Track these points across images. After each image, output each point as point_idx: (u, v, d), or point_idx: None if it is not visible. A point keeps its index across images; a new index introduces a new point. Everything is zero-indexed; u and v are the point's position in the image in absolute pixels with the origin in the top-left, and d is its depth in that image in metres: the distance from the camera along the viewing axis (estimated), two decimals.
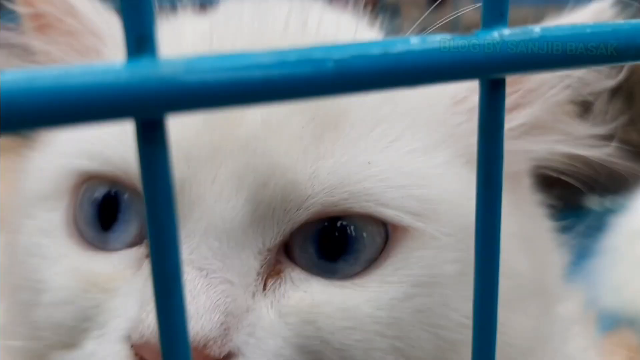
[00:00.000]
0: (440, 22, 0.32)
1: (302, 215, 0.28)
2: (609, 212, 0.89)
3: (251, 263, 0.28)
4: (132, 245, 0.31)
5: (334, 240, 0.29)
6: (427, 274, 0.29)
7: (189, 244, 0.28)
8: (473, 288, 0.19)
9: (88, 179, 0.31)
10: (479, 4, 0.17)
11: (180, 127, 0.27)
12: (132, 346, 0.27)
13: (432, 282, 0.29)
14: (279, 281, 0.29)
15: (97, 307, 0.30)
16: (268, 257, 0.29)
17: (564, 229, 0.39)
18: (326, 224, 0.29)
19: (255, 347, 0.28)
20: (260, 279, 0.29)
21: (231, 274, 0.28)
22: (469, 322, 0.20)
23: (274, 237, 0.29)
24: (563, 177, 0.36)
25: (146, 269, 0.29)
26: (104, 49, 0.35)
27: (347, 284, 0.29)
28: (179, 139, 0.27)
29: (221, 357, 0.27)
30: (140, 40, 0.13)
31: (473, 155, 0.20)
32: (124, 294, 0.29)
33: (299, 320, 0.28)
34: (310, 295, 0.28)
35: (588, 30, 0.17)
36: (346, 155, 0.29)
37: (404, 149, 0.30)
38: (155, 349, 0.26)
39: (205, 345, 0.26)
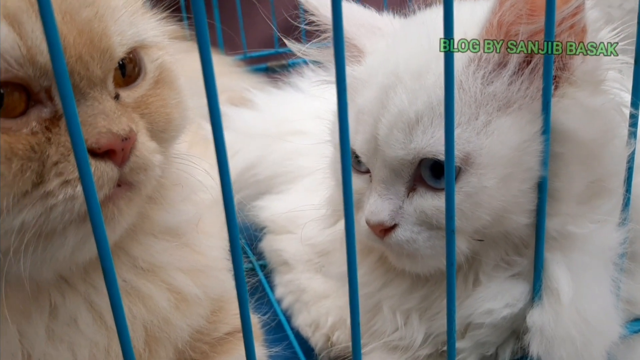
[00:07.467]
0: None
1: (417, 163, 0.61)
2: None
3: (401, 187, 0.62)
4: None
5: (438, 170, 0.61)
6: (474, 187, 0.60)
7: (375, 174, 0.63)
8: None
9: None
10: None
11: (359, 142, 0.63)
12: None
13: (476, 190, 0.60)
14: (414, 193, 0.62)
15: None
16: (409, 183, 0.62)
17: None
18: (435, 162, 0.61)
19: (404, 222, 0.61)
20: (406, 193, 0.62)
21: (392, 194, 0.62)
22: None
23: (409, 175, 0.62)
24: None
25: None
26: None
27: (442, 193, 0.60)
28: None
29: (391, 225, 0.62)
30: None
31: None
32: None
33: (420, 212, 0.61)
34: (426, 200, 0.61)
35: None
36: (437, 133, 0.60)
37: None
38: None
39: (382, 224, 0.60)
